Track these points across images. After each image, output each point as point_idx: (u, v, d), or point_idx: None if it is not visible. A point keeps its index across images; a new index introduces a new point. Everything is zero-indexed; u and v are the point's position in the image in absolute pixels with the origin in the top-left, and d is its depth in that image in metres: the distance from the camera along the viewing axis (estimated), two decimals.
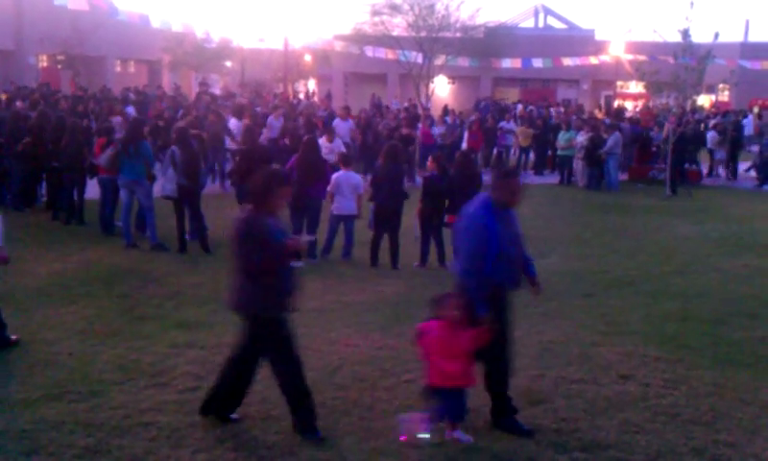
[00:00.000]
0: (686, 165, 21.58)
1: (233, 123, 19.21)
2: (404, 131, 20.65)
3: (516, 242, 5.72)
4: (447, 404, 5.41)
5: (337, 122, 20.73)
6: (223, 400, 5.69)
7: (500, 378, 5.81)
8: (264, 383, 6.46)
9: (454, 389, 5.39)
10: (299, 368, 5.53)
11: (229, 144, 17.72)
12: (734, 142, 23.31)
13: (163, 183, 11.58)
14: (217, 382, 5.73)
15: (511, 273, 5.69)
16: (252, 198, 5.44)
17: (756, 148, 24.90)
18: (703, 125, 27.59)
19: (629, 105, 44.21)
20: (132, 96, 28.43)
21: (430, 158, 11.45)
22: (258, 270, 5.27)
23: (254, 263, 5.26)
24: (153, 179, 12.03)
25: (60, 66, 39.32)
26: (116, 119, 20.08)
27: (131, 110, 22.64)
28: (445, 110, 27.13)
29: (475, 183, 11.07)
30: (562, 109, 31.25)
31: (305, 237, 6.07)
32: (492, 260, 5.48)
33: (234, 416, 5.72)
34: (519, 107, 35.05)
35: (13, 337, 7.24)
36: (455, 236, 5.79)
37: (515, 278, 5.77)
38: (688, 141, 21.46)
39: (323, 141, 16.11)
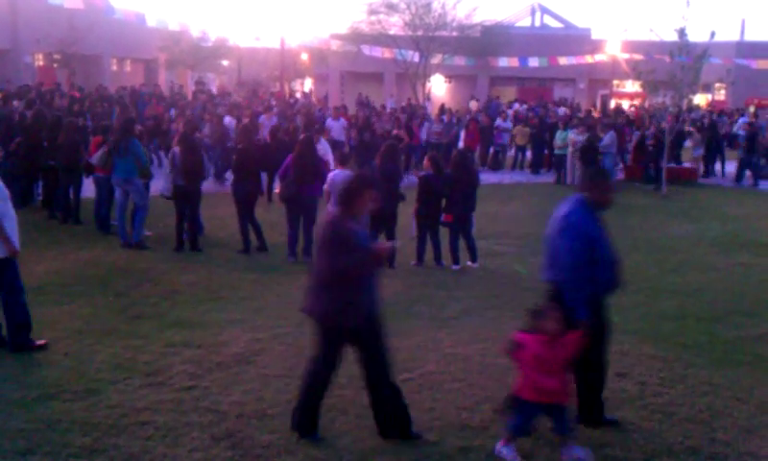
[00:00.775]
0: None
1: (227, 120, 19.29)
2: (395, 131, 20.64)
3: (611, 243, 5.62)
4: (522, 416, 5.24)
5: (330, 122, 20.74)
6: (391, 416, 5.52)
7: (597, 381, 5.75)
8: (260, 381, 6.47)
9: (544, 405, 5.18)
10: (329, 378, 5.45)
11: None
12: (710, 142, 23.51)
13: (162, 183, 11.62)
14: (375, 405, 5.55)
15: (610, 276, 5.58)
16: (340, 200, 5.36)
17: None
18: (699, 124, 27.63)
19: (624, 104, 44.29)
20: (126, 95, 28.41)
21: (426, 158, 11.44)
22: (343, 274, 5.16)
23: (339, 267, 5.14)
24: (148, 177, 12.03)
25: (56, 65, 39.27)
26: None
27: None
28: (442, 109, 27.11)
29: (472, 183, 11.07)
30: (566, 110, 31.27)
31: (390, 243, 5.80)
32: (593, 264, 5.39)
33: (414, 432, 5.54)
34: (516, 106, 35.02)
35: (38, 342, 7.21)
36: (551, 240, 5.60)
37: (613, 280, 5.63)
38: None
39: None
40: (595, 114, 29.14)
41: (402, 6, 37.23)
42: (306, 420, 5.49)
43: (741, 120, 29.24)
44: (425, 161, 11.36)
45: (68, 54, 35.32)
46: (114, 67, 45.95)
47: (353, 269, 5.17)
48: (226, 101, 27.24)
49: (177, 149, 11.43)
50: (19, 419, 5.67)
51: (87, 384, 6.33)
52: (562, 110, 30.92)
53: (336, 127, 20.25)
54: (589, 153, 20.11)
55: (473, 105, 36.11)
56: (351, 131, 20.99)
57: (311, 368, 5.50)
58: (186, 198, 11.39)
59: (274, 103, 26.76)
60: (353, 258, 5.14)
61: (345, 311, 5.20)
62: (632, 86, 46.52)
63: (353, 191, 5.33)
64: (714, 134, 23.74)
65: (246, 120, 18.61)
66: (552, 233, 5.61)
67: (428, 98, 39.50)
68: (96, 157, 11.89)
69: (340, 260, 5.13)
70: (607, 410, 6.03)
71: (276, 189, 12.22)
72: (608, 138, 20.20)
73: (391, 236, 10.99)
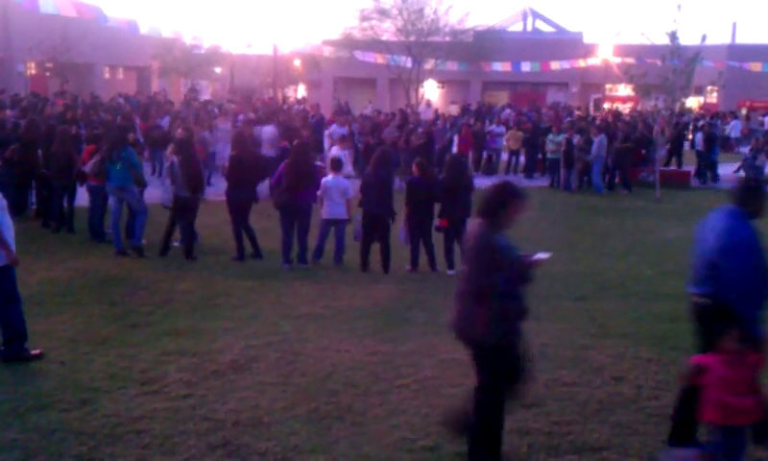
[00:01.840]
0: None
1: (269, 129, 19.13)
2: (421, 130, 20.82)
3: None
4: (729, 442, 4.99)
5: (335, 128, 20.88)
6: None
7: None
8: (256, 389, 6.46)
9: (738, 427, 4.99)
10: (502, 404, 5.17)
11: (267, 151, 17.47)
12: (675, 143, 24.13)
13: (161, 193, 11.54)
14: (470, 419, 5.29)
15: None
16: (484, 212, 5.09)
17: (744, 149, 25.15)
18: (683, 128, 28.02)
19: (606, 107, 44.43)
20: (122, 102, 28.39)
21: (415, 164, 11.42)
22: (494, 291, 4.94)
23: (491, 283, 4.93)
24: (142, 185, 12.01)
25: (48, 74, 39.20)
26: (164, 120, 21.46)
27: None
28: (435, 114, 27.14)
29: (466, 188, 11.08)
30: (578, 113, 31.36)
31: (540, 255, 5.38)
32: (760, 276, 5.18)
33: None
34: (507, 111, 35.11)
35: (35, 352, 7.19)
36: (707, 254, 5.39)
37: None
38: (641, 144, 22.27)
39: (336, 149, 15.95)
40: (578, 115, 29.28)
41: (394, 12, 37.30)
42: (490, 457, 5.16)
43: (734, 123, 29.40)
44: (414, 167, 11.34)
45: (60, 62, 35.28)
46: (107, 75, 45.87)
47: (502, 285, 4.94)
48: (216, 109, 27.18)
49: (175, 158, 11.38)
50: (14, 429, 5.65)
51: (83, 393, 6.31)
52: (575, 114, 31.05)
53: (340, 134, 20.36)
54: (570, 156, 20.37)
55: (454, 109, 36.19)
56: (361, 136, 21.22)
57: (475, 398, 5.17)
58: (185, 208, 11.36)
59: (258, 106, 26.78)
60: (502, 274, 4.93)
61: (492, 327, 4.97)
62: (624, 90, 46.70)
63: (498, 203, 5.05)
64: (679, 135, 24.06)
65: (236, 129, 18.63)
66: (708, 247, 5.42)
67: (429, 104, 39.65)
68: (89, 166, 11.86)
69: (489, 277, 4.93)
70: (590, 413, 6.06)
71: None
72: (596, 143, 20.22)
73: (385, 241, 11.00)
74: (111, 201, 11.78)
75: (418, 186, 10.94)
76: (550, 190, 20.64)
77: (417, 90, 37.94)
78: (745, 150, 26.60)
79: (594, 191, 20.20)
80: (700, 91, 45.93)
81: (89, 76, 41.45)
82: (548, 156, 21.78)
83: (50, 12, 26.87)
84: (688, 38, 23.35)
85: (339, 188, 11.17)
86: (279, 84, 39.54)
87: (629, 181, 20.79)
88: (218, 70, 46.77)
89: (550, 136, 21.49)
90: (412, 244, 11.14)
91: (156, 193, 13.39)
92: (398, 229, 11.27)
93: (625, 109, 41.57)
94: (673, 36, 19.21)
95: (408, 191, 11.05)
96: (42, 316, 8.32)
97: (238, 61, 43.27)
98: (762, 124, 33.08)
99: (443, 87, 50.61)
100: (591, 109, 41.64)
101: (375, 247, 11.13)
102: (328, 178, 11.29)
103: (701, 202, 18.90)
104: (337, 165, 11.60)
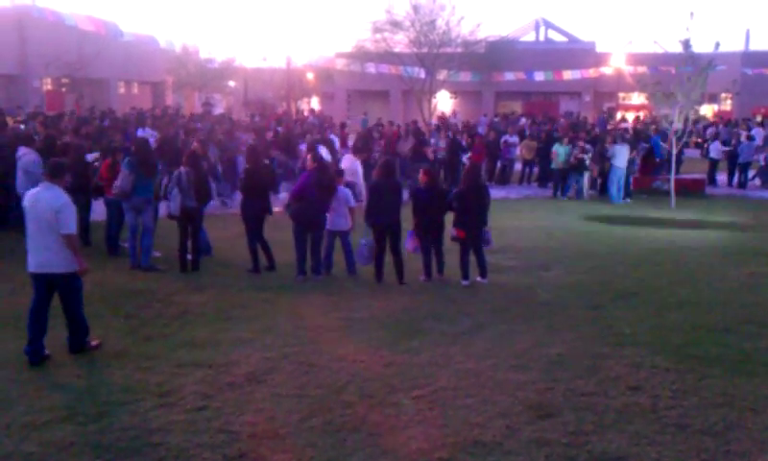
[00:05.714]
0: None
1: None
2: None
3: None
4: None
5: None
6: None
7: None
8: (271, 401, 6.46)
9: None
10: None
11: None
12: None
13: (168, 203, 11.47)
14: None
15: None
16: None
17: (761, 156, 25.00)
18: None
19: (629, 116, 44.26)
20: (147, 117, 28.56)
21: (422, 171, 11.37)
22: None
23: None
24: (159, 198, 12.06)
25: (64, 89, 39.58)
26: None
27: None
28: (447, 126, 27.19)
29: (484, 197, 11.06)
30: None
31: None
32: None
33: None
34: (522, 120, 35.09)
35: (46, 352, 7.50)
36: None
37: None
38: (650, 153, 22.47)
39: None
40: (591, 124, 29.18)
41: (407, 23, 37.42)
42: None
43: (755, 131, 29.14)
44: (421, 175, 11.31)
45: (76, 78, 35.59)
46: (122, 90, 46.27)
47: None
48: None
49: (183, 169, 11.38)
50: (32, 442, 5.67)
51: (99, 406, 6.33)
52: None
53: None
54: (579, 167, 20.39)
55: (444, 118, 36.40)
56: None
57: None
58: (191, 218, 11.38)
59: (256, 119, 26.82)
60: None
61: None
62: (638, 99, 46.59)
63: None
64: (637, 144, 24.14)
65: (251, 141, 18.67)
66: None
67: (455, 114, 39.82)
68: (123, 183, 11.58)
69: None
70: (607, 423, 6.01)
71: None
72: (614, 151, 20.11)
73: (395, 249, 10.95)
74: (128, 216, 11.71)
75: (421, 196, 10.95)
76: (565, 200, 20.54)
77: (429, 101, 38.00)
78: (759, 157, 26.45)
79: (609, 200, 20.11)
80: (714, 99, 45.74)
81: (105, 91, 41.86)
82: (552, 165, 21.48)
83: (71, 23, 27.22)
84: (702, 46, 23.23)
85: (339, 198, 11.16)
86: (293, 97, 39.74)
87: (629, 190, 20.74)
88: (232, 84, 47.08)
89: (557, 147, 21.19)
90: (424, 253, 11.10)
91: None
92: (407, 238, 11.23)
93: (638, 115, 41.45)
94: (686, 43, 19.18)
95: (413, 200, 11.05)
96: (58, 329, 8.34)
97: (252, 75, 43.55)
98: None
99: (455, 98, 50.68)
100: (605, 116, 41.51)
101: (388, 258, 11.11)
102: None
103: (716, 210, 18.82)
104: (338, 174, 11.61)
